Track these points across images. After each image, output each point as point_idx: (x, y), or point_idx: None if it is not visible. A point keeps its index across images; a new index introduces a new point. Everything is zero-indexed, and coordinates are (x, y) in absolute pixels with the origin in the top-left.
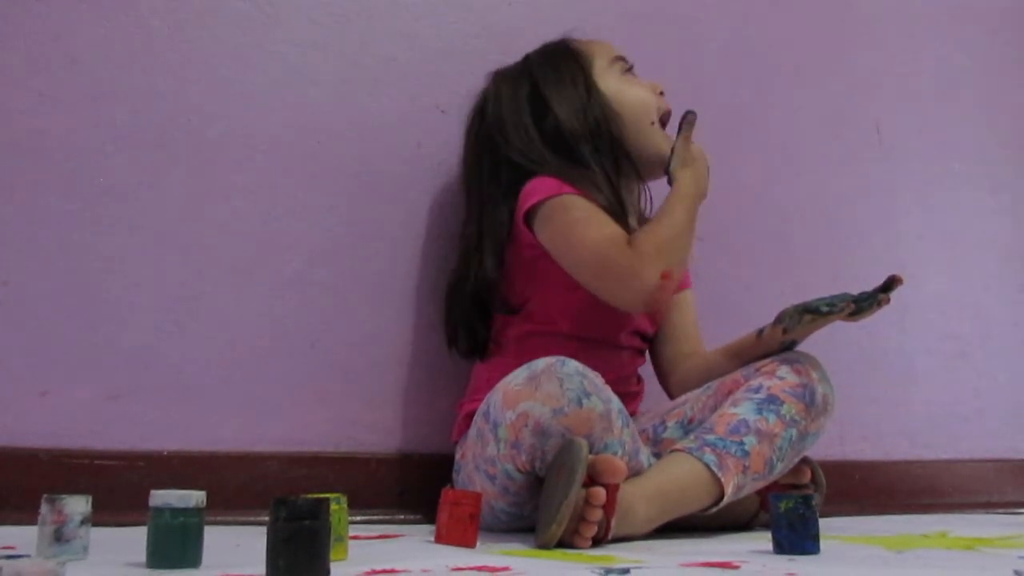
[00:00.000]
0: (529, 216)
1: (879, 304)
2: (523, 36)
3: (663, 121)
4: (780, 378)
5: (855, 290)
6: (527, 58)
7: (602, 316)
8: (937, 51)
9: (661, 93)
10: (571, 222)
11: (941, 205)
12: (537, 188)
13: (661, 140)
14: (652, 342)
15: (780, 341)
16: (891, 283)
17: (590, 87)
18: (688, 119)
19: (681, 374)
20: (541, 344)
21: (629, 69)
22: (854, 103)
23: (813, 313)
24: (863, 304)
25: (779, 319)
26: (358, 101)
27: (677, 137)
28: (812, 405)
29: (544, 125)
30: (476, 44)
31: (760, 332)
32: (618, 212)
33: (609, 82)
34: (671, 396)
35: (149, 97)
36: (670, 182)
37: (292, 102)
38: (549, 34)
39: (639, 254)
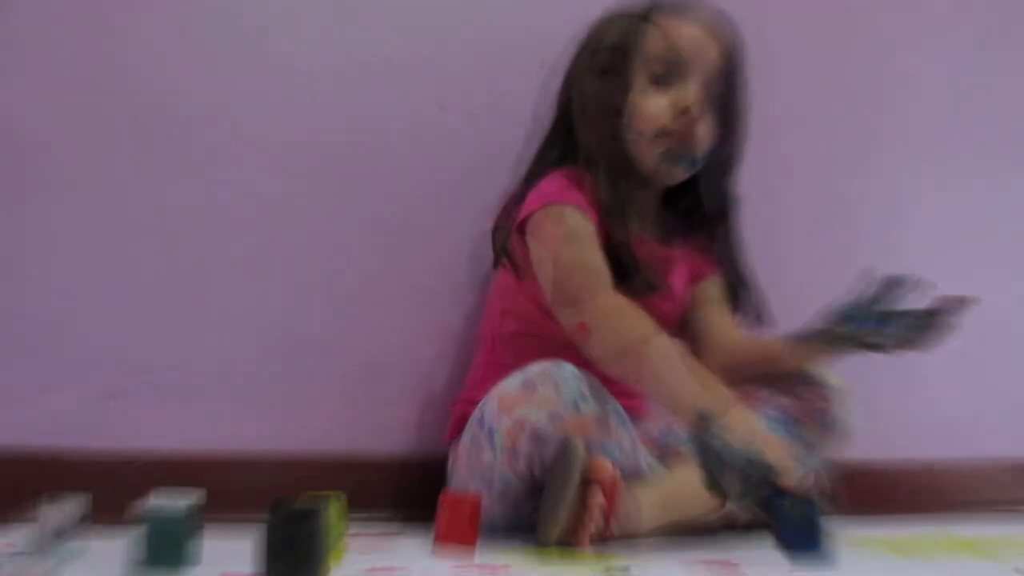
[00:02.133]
0: (523, 224)
1: (946, 329)
2: (524, 31)
3: (664, 137)
4: (804, 399)
5: (853, 291)
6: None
7: None
8: (939, 49)
9: (684, 112)
10: (553, 237)
11: (943, 203)
12: (539, 192)
13: (643, 152)
14: (683, 336)
15: (820, 362)
16: (950, 304)
17: (620, 82)
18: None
19: (717, 366)
20: (534, 344)
21: (661, 79)
22: (854, 101)
23: (870, 348)
24: (926, 332)
25: (828, 340)
26: (357, 98)
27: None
28: (830, 429)
29: (579, 103)
30: (476, 41)
31: (798, 346)
32: (615, 212)
33: (636, 89)
34: None
35: (149, 96)
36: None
37: (290, 99)
38: (551, 30)
39: (590, 297)
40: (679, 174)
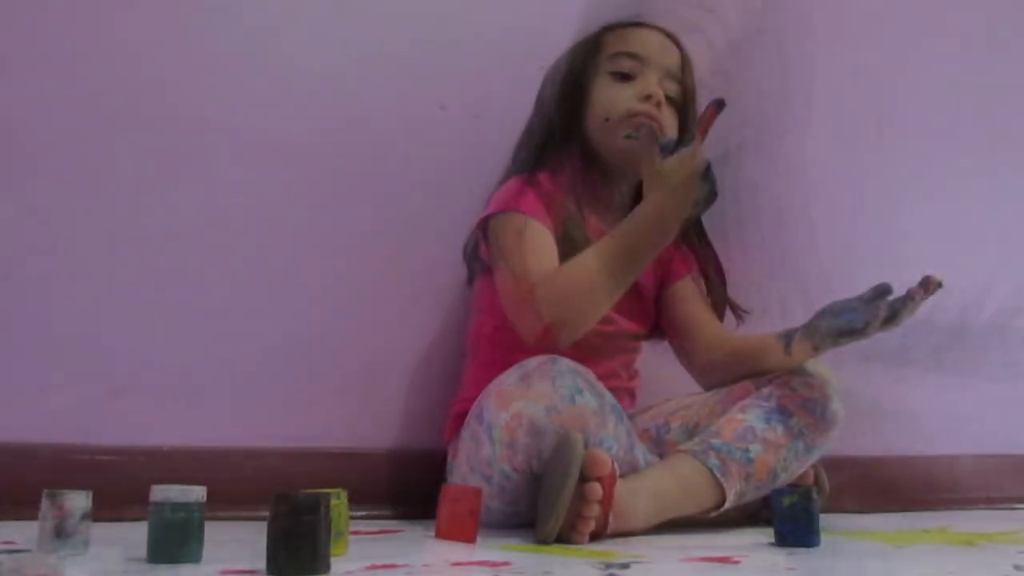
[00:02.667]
0: (484, 222)
1: (912, 299)
2: (525, 33)
3: (634, 116)
4: (792, 389)
5: (853, 290)
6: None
7: None
8: (937, 47)
9: (648, 97)
10: (507, 246)
11: (941, 201)
12: (497, 196)
13: (610, 138)
14: (668, 338)
15: (811, 355)
16: (927, 284)
17: (581, 83)
18: (705, 115)
19: (705, 368)
20: (517, 340)
21: (620, 71)
22: (854, 100)
23: (849, 335)
24: (897, 306)
25: (810, 333)
26: (358, 98)
27: (674, 147)
28: (822, 419)
29: (539, 116)
30: (476, 41)
31: (787, 343)
32: (575, 213)
33: (596, 82)
34: (703, 388)
35: (149, 96)
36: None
37: (291, 99)
38: (551, 30)
39: (533, 298)
40: (642, 153)
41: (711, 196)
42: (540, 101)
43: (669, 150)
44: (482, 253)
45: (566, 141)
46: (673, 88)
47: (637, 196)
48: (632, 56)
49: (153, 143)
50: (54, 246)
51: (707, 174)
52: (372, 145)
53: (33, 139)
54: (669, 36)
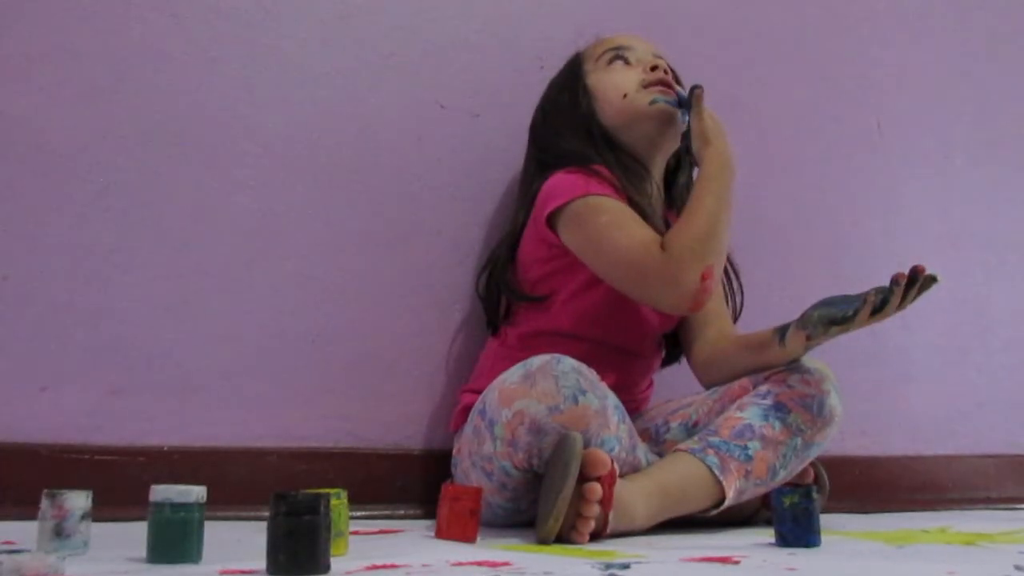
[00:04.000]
0: (553, 217)
1: (897, 284)
2: (524, 31)
3: (650, 85)
4: (789, 386)
5: (850, 288)
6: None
7: (615, 321)
8: (937, 46)
9: (653, 68)
10: (601, 226)
11: (941, 200)
12: (559, 187)
13: (635, 112)
14: (677, 331)
15: (805, 347)
16: (914, 272)
17: (578, 90)
18: (695, 94)
19: (706, 362)
20: (549, 343)
21: (615, 59)
22: (854, 99)
23: (840, 324)
24: (885, 294)
25: (803, 324)
26: (358, 96)
27: (690, 115)
28: (819, 416)
29: (550, 129)
30: (476, 39)
31: (782, 335)
32: (632, 193)
33: (592, 77)
34: (701, 383)
35: (149, 94)
36: (696, 164)
37: (291, 98)
38: (550, 28)
39: (674, 259)
40: (676, 119)
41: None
42: (540, 117)
43: (687, 106)
44: (548, 248)
45: (585, 135)
46: (664, 64)
47: (666, 185)
48: (619, 48)
49: (153, 143)
50: (54, 246)
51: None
52: (374, 144)
53: (32, 139)
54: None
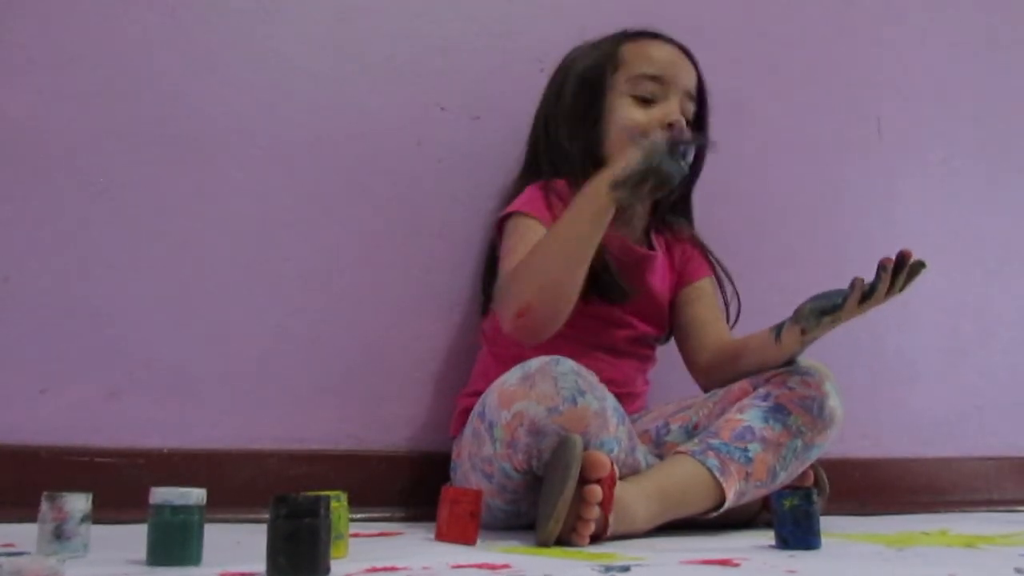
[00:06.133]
0: (501, 224)
1: (884, 270)
2: (524, 33)
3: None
4: (789, 388)
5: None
6: (575, 50)
7: (596, 321)
8: (937, 46)
9: (670, 125)
10: (509, 245)
11: (941, 201)
12: (518, 199)
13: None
14: (675, 335)
15: (801, 341)
16: (900, 258)
17: (598, 96)
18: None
19: (705, 367)
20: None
21: (645, 90)
22: (854, 99)
23: (831, 313)
24: (873, 282)
25: (797, 318)
26: (358, 99)
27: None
28: (819, 417)
29: (553, 121)
30: (476, 42)
31: (778, 333)
32: None
33: (616, 98)
34: (703, 389)
35: (149, 95)
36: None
37: (291, 100)
38: (550, 31)
39: (498, 291)
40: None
41: (678, 172)
42: (551, 102)
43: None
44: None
45: (582, 151)
46: (690, 109)
47: (653, 209)
48: (655, 79)
49: (154, 144)
50: (53, 247)
51: (673, 150)
52: (374, 145)
53: (32, 139)
54: (685, 52)
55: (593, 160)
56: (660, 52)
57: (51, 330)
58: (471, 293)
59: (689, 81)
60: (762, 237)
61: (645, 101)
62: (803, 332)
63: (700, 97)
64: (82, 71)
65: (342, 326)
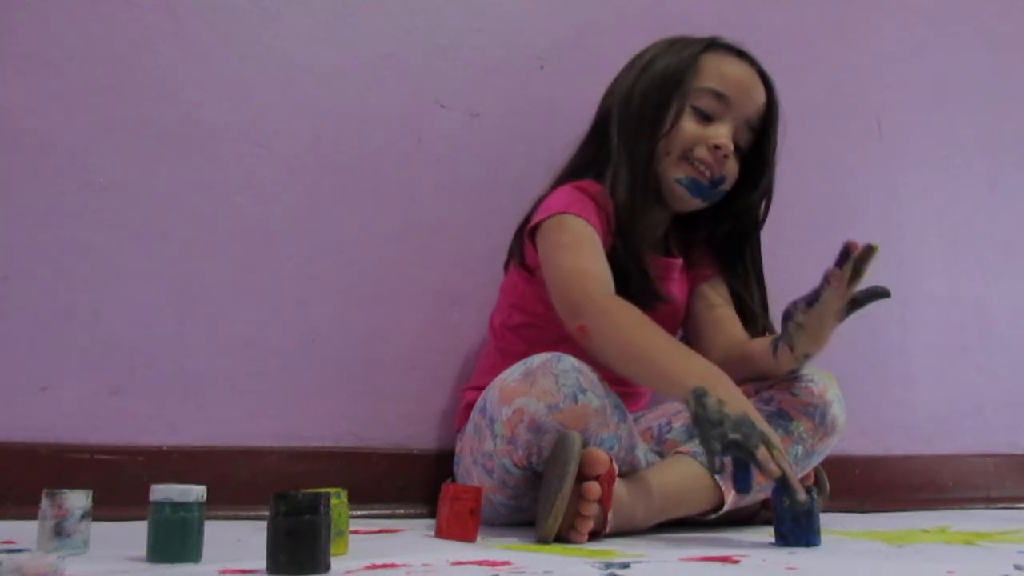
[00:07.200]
0: (534, 231)
1: (828, 283)
2: (524, 31)
3: (687, 164)
4: (793, 394)
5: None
6: (655, 45)
7: None
8: (938, 46)
9: (715, 148)
10: (559, 244)
11: (941, 200)
12: (549, 203)
13: (665, 172)
14: (685, 334)
15: (794, 358)
16: (845, 253)
17: (671, 102)
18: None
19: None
20: (540, 336)
21: (707, 106)
22: (855, 98)
23: (813, 304)
24: (818, 289)
25: (784, 336)
26: (358, 96)
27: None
28: (821, 425)
29: (622, 113)
30: (476, 39)
31: (775, 349)
32: (626, 222)
33: (684, 105)
34: None
35: (148, 93)
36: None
37: (291, 97)
38: (549, 29)
39: (589, 301)
40: (690, 203)
41: (744, 489)
42: (620, 97)
43: (745, 488)
44: (527, 259)
45: (630, 156)
46: (746, 138)
47: (677, 226)
48: (719, 97)
49: (154, 143)
50: (54, 246)
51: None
52: (374, 144)
53: (32, 139)
54: (764, 78)
55: (646, 167)
56: (733, 70)
57: (51, 328)
58: (471, 290)
59: (753, 109)
60: (762, 237)
61: (705, 117)
62: (792, 349)
63: (765, 129)
64: (82, 70)
65: (342, 324)
